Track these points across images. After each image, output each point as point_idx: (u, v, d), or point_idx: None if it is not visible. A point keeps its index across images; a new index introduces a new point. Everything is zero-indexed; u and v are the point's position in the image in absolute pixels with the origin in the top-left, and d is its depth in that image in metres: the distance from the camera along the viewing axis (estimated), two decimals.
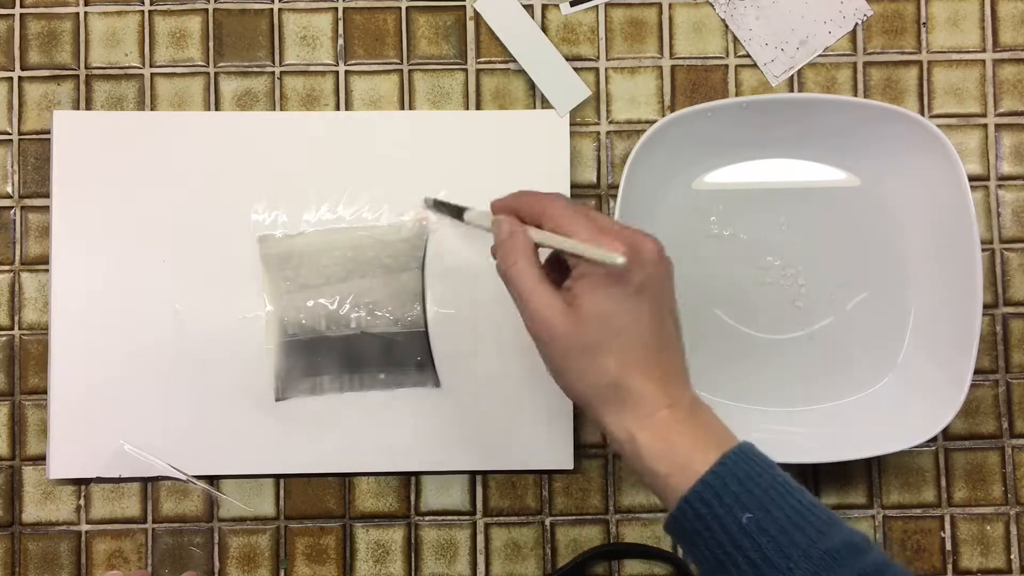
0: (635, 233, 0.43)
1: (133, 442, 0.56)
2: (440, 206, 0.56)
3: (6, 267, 0.58)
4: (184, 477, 0.56)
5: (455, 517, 0.58)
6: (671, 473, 0.41)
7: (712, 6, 0.59)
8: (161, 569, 0.57)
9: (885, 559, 0.40)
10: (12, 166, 0.58)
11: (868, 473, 0.58)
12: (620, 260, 0.40)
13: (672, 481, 0.41)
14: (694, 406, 0.43)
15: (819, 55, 0.59)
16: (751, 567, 0.39)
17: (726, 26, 0.59)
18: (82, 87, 0.59)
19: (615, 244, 0.41)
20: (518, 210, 0.46)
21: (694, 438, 0.42)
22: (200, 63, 0.59)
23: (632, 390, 0.42)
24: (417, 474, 0.57)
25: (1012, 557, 0.58)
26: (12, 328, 0.58)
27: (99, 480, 0.57)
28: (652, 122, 0.56)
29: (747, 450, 0.41)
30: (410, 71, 0.59)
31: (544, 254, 0.46)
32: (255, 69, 0.59)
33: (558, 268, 0.46)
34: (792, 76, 0.59)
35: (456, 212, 0.54)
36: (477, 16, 0.59)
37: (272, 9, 0.59)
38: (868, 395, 0.57)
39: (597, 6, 0.59)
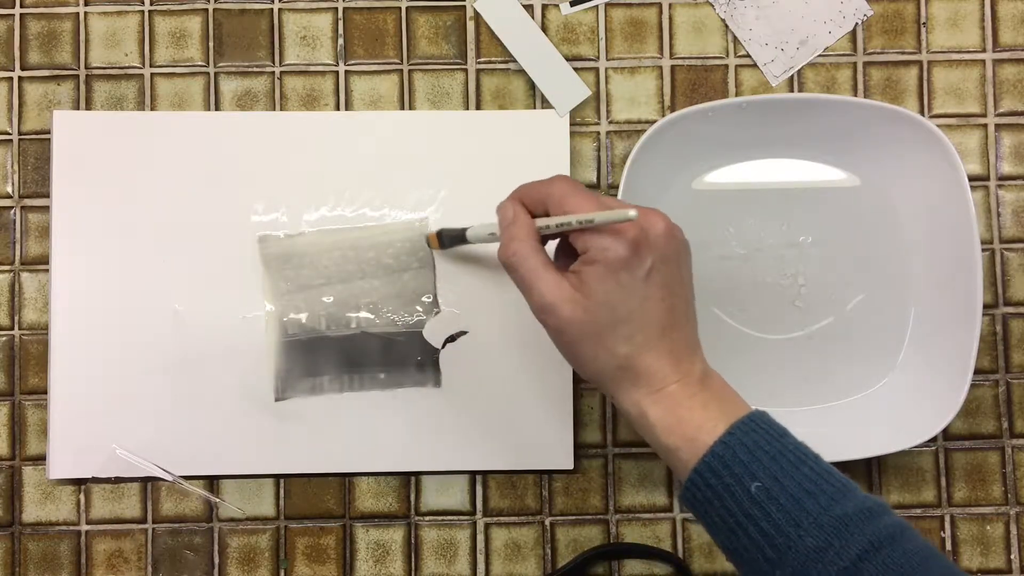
0: (643, 210, 0.42)
1: (132, 442, 0.56)
2: (444, 238, 0.55)
3: (6, 267, 0.58)
4: (171, 478, 0.56)
5: (455, 517, 0.58)
6: (681, 446, 0.41)
7: (712, 6, 0.59)
8: (159, 571, 0.57)
9: (900, 523, 0.39)
10: (12, 166, 0.58)
11: (868, 473, 0.58)
12: (632, 213, 0.40)
13: (683, 454, 0.41)
14: (705, 378, 0.43)
15: (819, 55, 0.59)
16: (762, 535, 0.39)
17: (726, 26, 0.59)
18: (82, 87, 0.59)
19: (620, 226, 0.41)
20: (522, 201, 0.46)
21: (704, 410, 0.42)
22: (200, 63, 0.59)
23: (642, 369, 0.42)
24: (417, 474, 0.57)
25: (1012, 557, 0.58)
26: (12, 328, 0.58)
27: (97, 480, 0.57)
28: (652, 122, 0.56)
29: (758, 419, 0.42)
30: (410, 71, 0.59)
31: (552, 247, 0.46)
32: (255, 69, 0.59)
33: (565, 257, 0.46)
34: (792, 76, 0.59)
35: (459, 235, 0.53)
36: (477, 16, 0.59)
37: (272, 9, 0.59)
38: (868, 395, 0.57)
39: (597, 6, 0.59)
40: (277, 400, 0.57)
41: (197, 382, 0.57)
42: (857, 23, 0.59)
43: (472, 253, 0.57)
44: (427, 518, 0.58)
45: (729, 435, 0.41)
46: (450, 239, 0.54)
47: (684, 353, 0.43)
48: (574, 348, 0.43)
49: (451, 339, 0.57)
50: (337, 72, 0.59)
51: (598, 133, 0.59)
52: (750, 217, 0.58)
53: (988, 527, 0.58)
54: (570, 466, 0.57)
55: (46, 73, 0.59)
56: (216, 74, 0.59)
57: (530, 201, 0.45)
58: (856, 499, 0.39)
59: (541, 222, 0.44)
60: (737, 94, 0.59)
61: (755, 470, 0.40)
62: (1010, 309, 0.59)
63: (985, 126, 0.59)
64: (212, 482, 0.57)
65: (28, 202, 0.58)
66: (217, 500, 0.57)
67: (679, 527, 0.58)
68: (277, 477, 0.57)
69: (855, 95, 0.59)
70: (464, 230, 0.53)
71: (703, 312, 0.58)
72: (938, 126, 0.54)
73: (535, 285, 0.43)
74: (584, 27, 0.59)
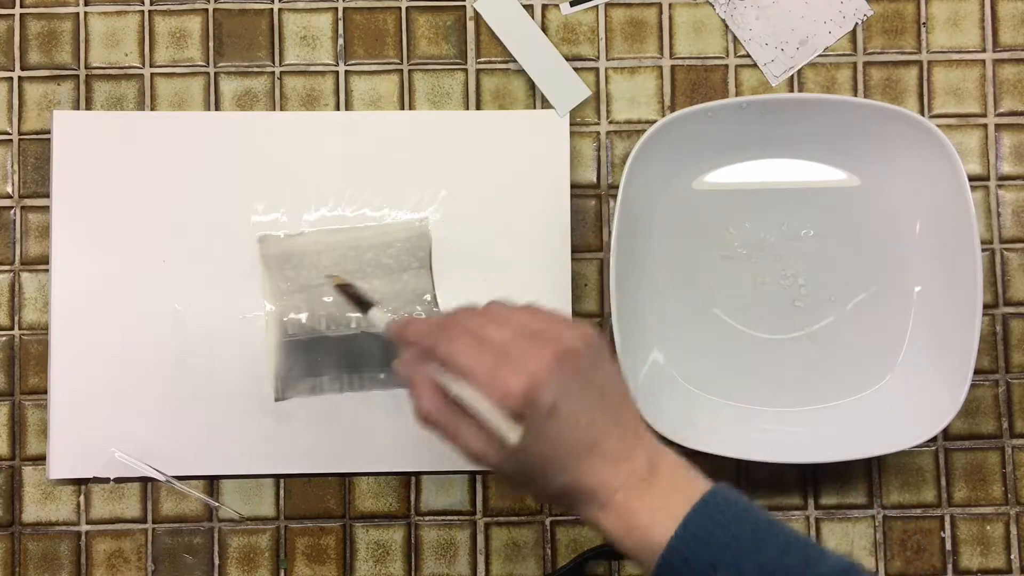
0: (528, 354, 0.40)
1: (132, 442, 0.56)
2: (345, 292, 0.50)
3: (6, 267, 0.58)
4: (163, 478, 0.56)
5: (455, 517, 0.58)
6: (639, 550, 0.41)
7: (712, 6, 0.59)
8: (159, 571, 0.57)
9: None
10: (12, 166, 0.58)
11: (868, 473, 0.58)
12: (513, 439, 0.40)
13: (643, 556, 0.41)
14: (651, 473, 0.42)
15: (819, 55, 0.59)
16: None
17: (726, 26, 0.59)
18: (82, 87, 0.59)
19: (508, 382, 0.39)
20: (413, 342, 0.44)
21: (653, 511, 0.41)
22: (200, 63, 0.59)
23: (584, 489, 0.41)
24: (417, 474, 0.57)
25: (1012, 557, 0.58)
26: (12, 328, 0.58)
27: (97, 480, 0.57)
28: (652, 122, 0.56)
29: (713, 501, 0.41)
30: (410, 71, 0.59)
31: None
32: (255, 69, 0.59)
33: None
34: (792, 76, 0.59)
35: (362, 303, 0.49)
36: (477, 16, 0.59)
37: (272, 9, 0.59)
38: (868, 395, 0.57)
39: (597, 6, 0.59)
40: (277, 400, 0.57)
41: (197, 382, 0.56)
42: (857, 23, 0.59)
43: (472, 253, 0.57)
44: (427, 518, 0.58)
45: (683, 528, 0.40)
46: (351, 296, 0.50)
47: (623, 454, 0.42)
48: (515, 485, 0.43)
49: None
50: (337, 72, 0.59)
51: (598, 133, 0.59)
52: (750, 217, 0.58)
53: (988, 527, 0.58)
54: None
55: (46, 73, 0.59)
56: (216, 74, 0.59)
57: (420, 344, 0.43)
58: (823, 568, 0.39)
59: (439, 378, 0.42)
60: (737, 94, 0.59)
61: (714, 559, 0.39)
62: (1010, 309, 0.59)
63: (985, 126, 0.59)
64: (212, 482, 0.57)
65: (28, 202, 0.58)
66: (217, 504, 0.57)
67: None
68: (277, 477, 0.57)
69: (855, 95, 0.59)
70: (370, 305, 0.49)
71: (703, 312, 0.58)
72: (938, 126, 0.54)
73: (456, 440, 0.42)
74: (584, 27, 0.59)
